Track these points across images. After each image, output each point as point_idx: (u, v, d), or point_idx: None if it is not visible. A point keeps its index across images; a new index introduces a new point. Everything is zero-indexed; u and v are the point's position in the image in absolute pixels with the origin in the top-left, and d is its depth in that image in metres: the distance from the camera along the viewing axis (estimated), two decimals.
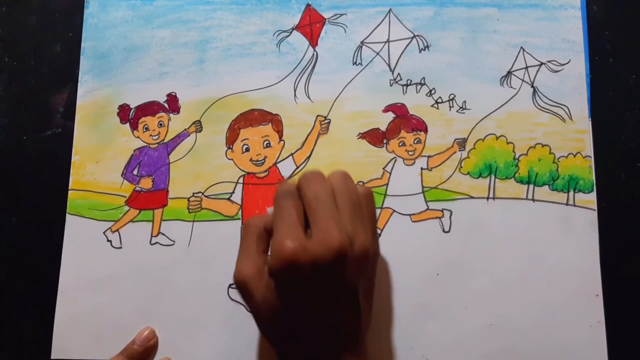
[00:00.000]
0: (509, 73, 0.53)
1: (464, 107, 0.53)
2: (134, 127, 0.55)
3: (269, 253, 0.40)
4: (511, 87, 0.53)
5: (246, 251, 0.41)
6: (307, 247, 0.37)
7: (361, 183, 0.52)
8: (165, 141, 0.54)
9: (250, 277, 0.39)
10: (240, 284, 0.40)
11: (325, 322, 0.40)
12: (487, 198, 0.51)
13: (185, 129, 0.54)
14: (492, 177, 0.52)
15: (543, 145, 0.52)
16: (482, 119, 0.52)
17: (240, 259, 0.41)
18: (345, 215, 0.39)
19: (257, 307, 0.40)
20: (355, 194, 0.40)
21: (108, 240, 0.53)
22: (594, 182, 0.51)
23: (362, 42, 0.54)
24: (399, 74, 0.54)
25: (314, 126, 0.53)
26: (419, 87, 0.53)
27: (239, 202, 0.53)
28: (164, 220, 0.53)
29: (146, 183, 0.54)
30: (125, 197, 0.54)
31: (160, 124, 0.55)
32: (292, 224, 0.38)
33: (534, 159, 0.52)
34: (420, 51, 0.54)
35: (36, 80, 0.57)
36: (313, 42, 0.55)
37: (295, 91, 0.54)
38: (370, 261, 0.41)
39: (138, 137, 0.55)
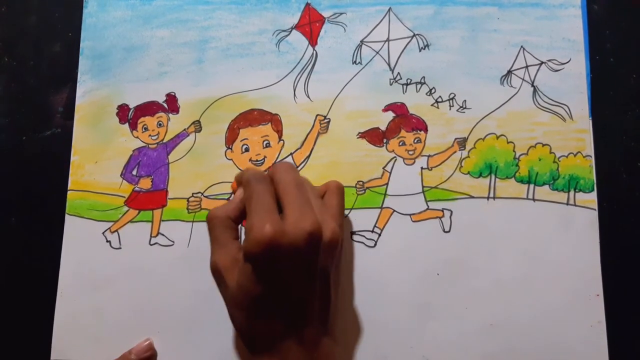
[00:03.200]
0: (509, 72, 0.53)
1: (464, 106, 0.52)
2: (133, 127, 0.55)
3: (242, 238, 0.43)
4: (511, 86, 0.53)
5: (217, 242, 0.43)
6: (285, 231, 0.38)
7: (361, 183, 0.52)
8: (164, 141, 0.54)
9: (224, 265, 0.42)
10: (216, 273, 0.42)
11: (298, 305, 0.41)
12: (488, 198, 0.51)
13: (184, 129, 0.54)
14: (493, 176, 0.51)
15: (543, 145, 0.51)
16: (482, 118, 0.52)
17: (213, 250, 0.43)
18: (314, 204, 0.41)
19: (232, 293, 0.41)
20: (317, 190, 0.45)
21: (107, 241, 0.53)
22: (595, 181, 0.51)
23: (361, 41, 0.54)
24: (398, 73, 0.53)
25: (313, 125, 0.53)
26: (419, 86, 0.53)
27: None
28: (164, 220, 0.53)
29: (145, 183, 0.54)
30: (124, 197, 0.54)
31: (160, 124, 0.54)
32: (268, 209, 0.40)
33: (535, 159, 0.51)
34: (420, 50, 0.54)
35: (35, 80, 0.57)
36: (312, 42, 0.55)
37: (294, 90, 0.54)
38: (339, 247, 0.43)
39: (137, 137, 0.55)
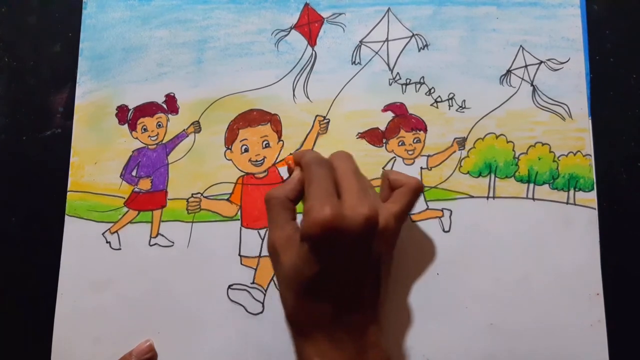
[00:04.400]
0: (509, 72, 0.53)
1: (463, 106, 0.52)
2: (133, 128, 0.55)
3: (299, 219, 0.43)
4: (511, 85, 0.53)
5: (274, 222, 0.43)
6: (343, 214, 0.39)
7: None
8: (163, 142, 0.54)
9: (280, 244, 0.42)
10: (272, 252, 0.43)
11: (350, 290, 0.42)
12: (487, 197, 0.51)
13: (184, 130, 0.54)
14: (492, 176, 0.51)
15: (543, 144, 0.51)
16: (481, 118, 0.52)
17: (271, 229, 0.43)
18: (371, 193, 0.42)
19: (285, 273, 0.42)
20: (360, 173, 0.44)
21: (107, 242, 0.53)
22: (594, 180, 0.51)
23: (360, 42, 0.54)
24: (398, 73, 0.53)
25: (313, 126, 0.53)
26: (418, 86, 0.53)
27: (238, 203, 0.52)
28: (163, 221, 0.53)
29: (145, 184, 0.54)
30: (124, 198, 0.54)
31: (159, 125, 0.54)
32: (327, 192, 0.40)
33: (534, 158, 0.51)
34: (419, 50, 0.54)
35: (36, 80, 0.57)
36: (312, 42, 0.55)
37: (294, 91, 0.54)
38: (392, 235, 0.44)
39: (136, 138, 0.55)
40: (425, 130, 0.52)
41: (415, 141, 0.52)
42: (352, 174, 0.42)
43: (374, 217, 0.40)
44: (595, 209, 0.50)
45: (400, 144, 0.52)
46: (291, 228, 0.43)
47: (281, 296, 0.44)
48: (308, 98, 0.54)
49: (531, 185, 0.51)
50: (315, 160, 0.43)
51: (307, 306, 0.42)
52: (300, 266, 0.41)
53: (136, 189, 0.54)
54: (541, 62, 0.53)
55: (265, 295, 0.51)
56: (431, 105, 0.53)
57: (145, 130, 0.55)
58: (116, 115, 0.55)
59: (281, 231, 0.43)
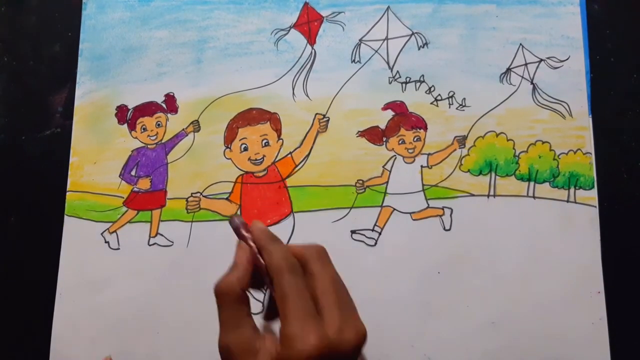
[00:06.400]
0: (509, 70, 0.53)
1: (463, 104, 0.52)
2: (132, 127, 0.55)
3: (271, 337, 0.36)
4: (511, 84, 0.52)
5: (228, 323, 0.36)
6: (331, 342, 0.34)
7: (361, 181, 0.52)
8: (163, 141, 0.54)
9: (237, 352, 0.36)
10: (227, 357, 0.36)
11: None
12: (488, 195, 0.51)
13: (183, 129, 0.54)
14: (493, 174, 0.51)
15: (543, 142, 0.51)
16: (481, 116, 0.52)
17: (223, 331, 0.36)
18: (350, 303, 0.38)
19: None
20: (339, 280, 0.38)
21: (106, 242, 0.53)
22: (595, 178, 0.51)
23: (360, 40, 0.54)
24: (397, 71, 0.53)
25: (312, 124, 0.53)
26: (418, 84, 0.53)
27: (238, 202, 0.52)
28: (163, 220, 0.53)
29: (144, 184, 0.53)
30: (123, 198, 0.53)
31: (158, 125, 0.54)
32: (308, 312, 0.35)
33: (534, 156, 0.51)
34: (419, 48, 0.54)
35: (35, 80, 0.57)
36: (311, 40, 0.54)
37: (293, 89, 0.54)
38: None
39: (136, 137, 0.54)
40: (426, 128, 0.52)
41: (415, 139, 0.52)
42: (332, 285, 0.36)
43: (362, 341, 0.35)
44: (596, 207, 0.50)
45: (400, 142, 0.52)
46: (249, 330, 0.36)
47: None
48: (308, 96, 0.53)
49: (532, 183, 0.51)
50: (287, 267, 0.36)
51: None
52: None
53: (135, 189, 0.54)
54: (541, 60, 0.53)
55: (265, 295, 0.51)
56: (431, 103, 0.53)
57: (145, 129, 0.54)
58: (115, 115, 0.55)
59: (238, 334, 0.36)
